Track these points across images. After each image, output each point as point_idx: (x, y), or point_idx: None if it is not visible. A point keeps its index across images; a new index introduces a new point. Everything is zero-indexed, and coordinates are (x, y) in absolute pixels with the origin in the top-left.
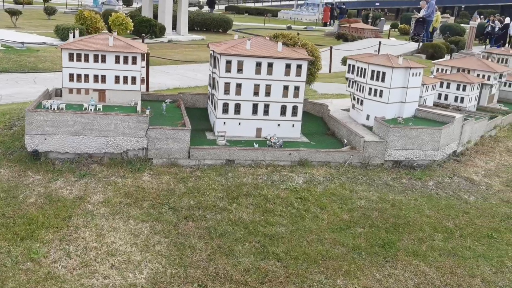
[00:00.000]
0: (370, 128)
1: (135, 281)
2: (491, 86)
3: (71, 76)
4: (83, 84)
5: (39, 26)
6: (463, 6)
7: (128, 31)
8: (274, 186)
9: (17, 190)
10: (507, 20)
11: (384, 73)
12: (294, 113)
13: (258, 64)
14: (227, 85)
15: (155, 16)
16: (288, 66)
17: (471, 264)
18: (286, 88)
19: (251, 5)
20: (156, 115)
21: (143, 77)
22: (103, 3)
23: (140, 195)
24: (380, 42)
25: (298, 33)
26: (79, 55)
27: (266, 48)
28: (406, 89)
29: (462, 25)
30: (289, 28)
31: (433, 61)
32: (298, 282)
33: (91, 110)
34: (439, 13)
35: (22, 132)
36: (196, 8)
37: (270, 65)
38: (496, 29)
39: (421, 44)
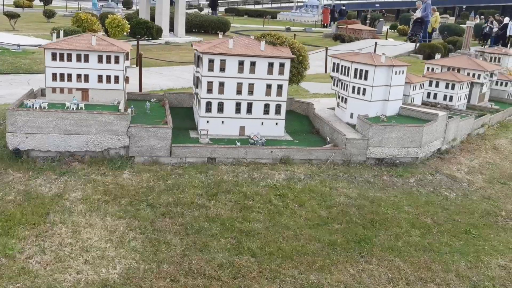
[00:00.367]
0: (354, 126)
1: (107, 276)
2: (482, 84)
3: (54, 76)
4: (66, 83)
5: (37, 29)
6: (464, 7)
7: (125, 33)
8: (254, 183)
9: None
10: (506, 20)
11: (367, 71)
12: (278, 111)
13: (241, 63)
14: (210, 84)
15: (153, 18)
16: (270, 65)
17: (446, 259)
18: (269, 86)
19: (251, 7)
20: (140, 114)
21: (127, 77)
22: (102, 5)
23: (119, 192)
24: (376, 43)
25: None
26: (62, 55)
27: (248, 47)
28: (389, 87)
29: (462, 25)
30: (288, 29)
31: (425, 61)
32: (271, 277)
33: (73, 109)
34: (437, 13)
35: (5, 131)
36: (195, 10)
37: (252, 64)
38: (495, 29)
39: (418, 44)
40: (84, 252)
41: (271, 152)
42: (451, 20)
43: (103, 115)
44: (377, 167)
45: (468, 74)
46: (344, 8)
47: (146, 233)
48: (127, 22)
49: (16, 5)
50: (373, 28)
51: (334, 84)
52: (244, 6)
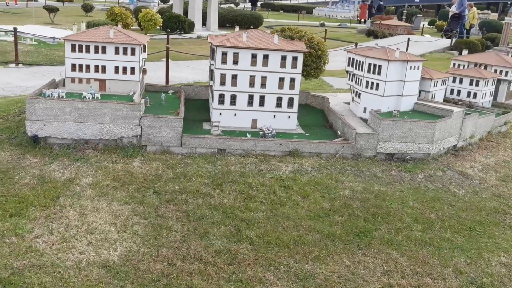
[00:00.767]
0: (366, 121)
1: (108, 257)
2: (509, 82)
3: (73, 66)
4: (85, 74)
5: (75, 22)
6: (509, 2)
7: (158, 27)
8: (261, 174)
9: (14, 171)
10: None
11: (380, 66)
12: (290, 104)
13: (254, 56)
14: (223, 77)
15: (186, 12)
16: (283, 58)
17: (445, 255)
18: (281, 80)
19: (287, 2)
20: (154, 105)
21: (145, 68)
22: (139, 0)
23: (128, 179)
24: (408, 39)
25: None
26: (81, 46)
27: (262, 40)
28: (403, 83)
29: (502, 21)
30: (322, 25)
31: (452, 57)
32: (266, 265)
33: (89, 98)
34: (475, 9)
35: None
36: (230, 5)
37: (265, 57)
38: None
39: (454, 40)
40: (89, 234)
41: (280, 144)
42: (494, 16)
43: (117, 105)
44: (387, 162)
45: (495, 71)
46: (382, 3)
47: (150, 218)
48: (160, 16)
49: None
50: (409, 24)
51: (349, 79)
52: (280, 1)
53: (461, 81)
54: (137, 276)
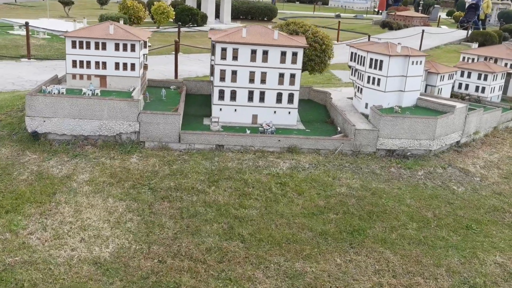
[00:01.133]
0: (368, 117)
1: (99, 254)
2: None
3: (74, 63)
4: (85, 70)
5: (90, 16)
6: None
7: (170, 20)
8: (257, 171)
9: (13, 167)
10: None
11: (381, 61)
12: (290, 100)
13: (253, 52)
14: (222, 72)
15: (199, 5)
16: (283, 54)
17: (439, 254)
18: (281, 75)
19: None
20: (155, 101)
21: (146, 64)
22: None
23: (124, 176)
24: (423, 31)
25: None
26: (81, 43)
27: (262, 35)
28: (405, 78)
29: None
30: (338, 16)
31: (462, 50)
32: (256, 263)
33: (88, 94)
34: None
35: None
36: None
37: (265, 53)
38: None
39: (470, 32)
40: (82, 231)
41: (279, 140)
42: None
43: (115, 102)
44: (387, 158)
45: (506, 64)
46: None
47: (143, 215)
48: (172, 9)
49: None
50: (425, 15)
51: (351, 74)
52: None
53: (469, 75)
54: (127, 273)
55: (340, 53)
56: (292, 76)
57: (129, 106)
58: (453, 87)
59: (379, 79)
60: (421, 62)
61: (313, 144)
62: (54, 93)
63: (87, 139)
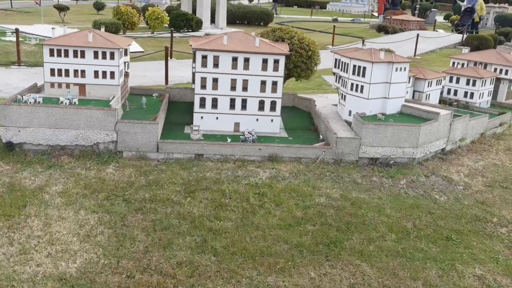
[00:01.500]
0: (351, 124)
1: (66, 269)
2: (510, 81)
3: (52, 71)
4: (64, 78)
5: (85, 21)
6: None
7: (165, 25)
8: (236, 181)
9: None
10: None
11: (364, 68)
12: (273, 108)
13: (234, 59)
14: (203, 80)
15: (195, 10)
16: (265, 61)
17: (417, 266)
18: (263, 83)
19: None
20: (135, 109)
21: (127, 72)
22: None
23: (99, 187)
24: (417, 35)
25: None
26: (59, 51)
27: (243, 43)
28: (389, 84)
29: None
30: (335, 20)
31: (451, 56)
32: (227, 277)
33: (66, 103)
34: (481, 0)
35: None
36: (241, 1)
37: (246, 60)
38: None
39: (465, 35)
40: (49, 245)
41: (259, 149)
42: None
43: (92, 111)
44: (369, 167)
45: (495, 69)
46: None
47: (115, 228)
48: (167, 15)
49: None
50: (421, 19)
51: (336, 81)
52: None
53: (458, 81)
54: None
55: (332, 59)
56: (274, 83)
57: (106, 115)
58: (442, 92)
59: (362, 86)
60: (405, 68)
61: (294, 152)
62: (30, 102)
63: (63, 149)
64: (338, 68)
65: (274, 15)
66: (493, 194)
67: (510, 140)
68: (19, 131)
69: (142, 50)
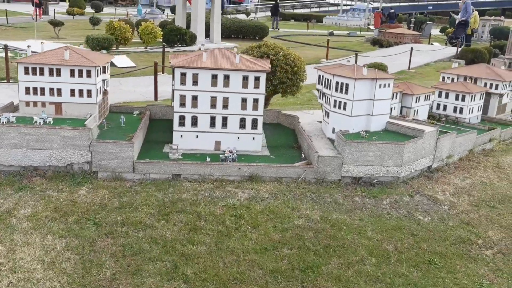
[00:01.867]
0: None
1: None
2: (501, 95)
3: (27, 90)
4: (40, 97)
5: (80, 36)
6: None
7: (159, 40)
8: (213, 202)
9: None
10: None
11: (347, 85)
12: (254, 125)
13: (214, 77)
14: (182, 98)
15: (189, 25)
16: (245, 78)
17: None
18: (244, 100)
19: (298, 11)
20: (113, 128)
21: (106, 89)
22: (146, 12)
23: (70, 210)
24: (411, 48)
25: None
26: (34, 69)
27: (223, 60)
28: (372, 101)
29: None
30: (331, 34)
31: (440, 70)
32: None
33: (39, 123)
34: (476, 13)
35: None
36: (235, 16)
37: (226, 77)
38: None
39: (460, 49)
40: (12, 273)
41: (239, 169)
42: (508, 22)
43: (65, 130)
44: (352, 186)
45: (485, 84)
46: (392, 11)
47: (83, 253)
48: (160, 29)
49: (69, 12)
50: (417, 32)
51: (320, 97)
52: (291, 11)
53: (447, 96)
54: None
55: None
56: (255, 101)
57: (80, 135)
58: (431, 108)
59: (345, 103)
60: (389, 84)
61: (275, 172)
62: (3, 122)
63: (36, 170)
64: (322, 84)
65: (276, 29)
66: (479, 214)
67: (499, 157)
68: None
69: (134, 65)
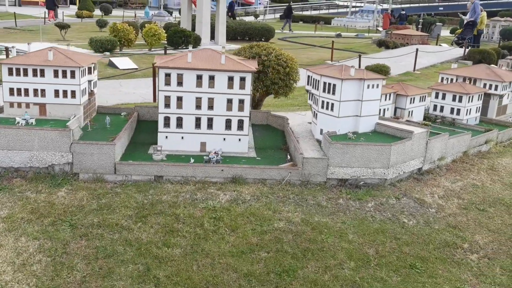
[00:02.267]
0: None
1: None
2: (501, 96)
3: (11, 91)
4: (24, 98)
5: (86, 39)
6: None
7: (163, 42)
8: (193, 204)
9: None
10: None
11: (334, 85)
12: (240, 127)
13: (199, 77)
14: (167, 98)
15: (194, 27)
16: (230, 79)
17: None
18: (230, 101)
19: (307, 13)
20: (98, 129)
21: (92, 90)
22: (153, 14)
23: (46, 211)
24: (417, 49)
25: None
26: (18, 70)
27: (208, 60)
28: (360, 102)
29: None
30: (339, 36)
31: (440, 71)
32: None
33: (22, 124)
34: (484, 13)
35: None
36: (241, 18)
37: (211, 78)
38: None
39: (467, 50)
40: None
41: (222, 170)
42: None
43: (45, 131)
44: (337, 188)
45: (485, 85)
46: (403, 12)
47: (55, 256)
48: (164, 31)
49: (78, 15)
50: (425, 33)
51: (309, 98)
52: (300, 13)
53: (444, 97)
54: None
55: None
56: (241, 101)
57: (60, 136)
58: (428, 109)
59: (332, 104)
60: (377, 85)
61: (259, 174)
62: None
63: (17, 171)
64: (310, 85)
65: (290, 32)
66: (468, 217)
67: (494, 159)
68: None
69: (136, 67)
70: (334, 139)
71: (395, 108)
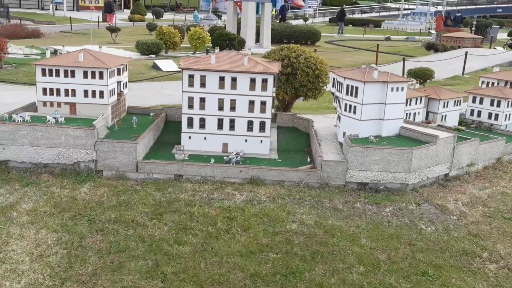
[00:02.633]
0: None
1: None
2: None
3: (44, 90)
4: (55, 97)
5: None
6: None
7: (208, 45)
8: (209, 204)
9: None
10: None
11: (357, 88)
12: (262, 128)
13: (222, 79)
14: (190, 100)
15: (239, 30)
16: (252, 81)
17: None
18: (252, 103)
19: (358, 16)
20: (125, 128)
21: (121, 91)
22: (201, 18)
23: (68, 206)
24: (466, 53)
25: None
26: (50, 71)
27: (231, 62)
28: (384, 105)
29: None
30: (388, 39)
31: (481, 75)
32: None
33: (52, 122)
34: None
35: None
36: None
37: (234, 80)
38: None
39: None
40: (0, 264)
41: (240, 171)
42: None
43: (71, 130)
44: (356, 192)
45: None
46: (459, 14)
47: (70, 248)
48: (208, 35)
49: (130, 19)
50: (478, 36)
51: (334, 101)
52: (350, 16)
53: (481, 101)
54: None
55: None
56: (263, 103)
57: (85, 134)
58: (465, 114)
59: (355, 107)
60: (402, 88)
61: (277, 175)
62: (18, 121)
63: (46, 167)
64: (335, 87)
65: (340, 34)
66: (491, 225)
67: None
68: (3, 148)
69: (179, 69)
70: (355, 142)
71: (427, 112)
